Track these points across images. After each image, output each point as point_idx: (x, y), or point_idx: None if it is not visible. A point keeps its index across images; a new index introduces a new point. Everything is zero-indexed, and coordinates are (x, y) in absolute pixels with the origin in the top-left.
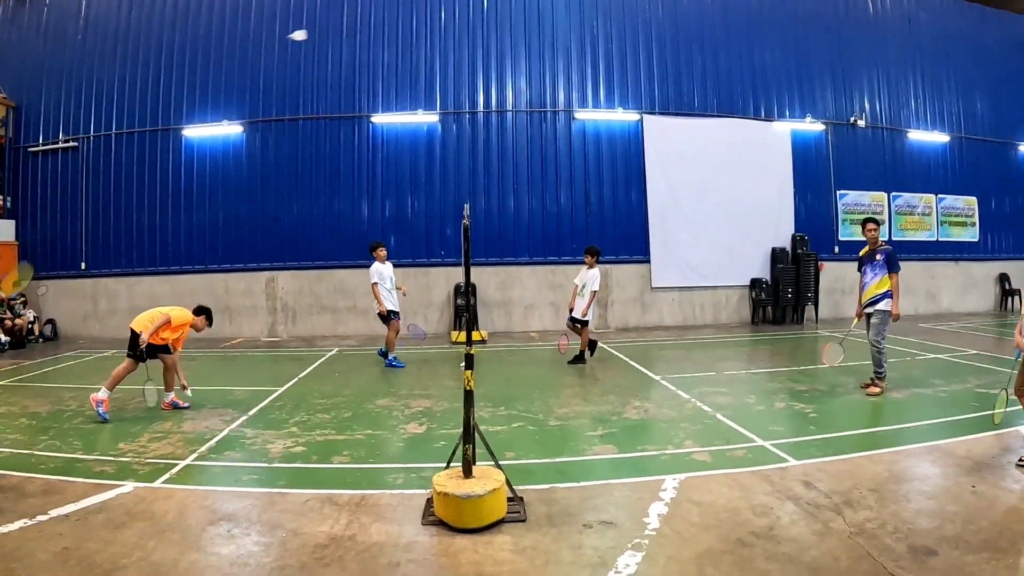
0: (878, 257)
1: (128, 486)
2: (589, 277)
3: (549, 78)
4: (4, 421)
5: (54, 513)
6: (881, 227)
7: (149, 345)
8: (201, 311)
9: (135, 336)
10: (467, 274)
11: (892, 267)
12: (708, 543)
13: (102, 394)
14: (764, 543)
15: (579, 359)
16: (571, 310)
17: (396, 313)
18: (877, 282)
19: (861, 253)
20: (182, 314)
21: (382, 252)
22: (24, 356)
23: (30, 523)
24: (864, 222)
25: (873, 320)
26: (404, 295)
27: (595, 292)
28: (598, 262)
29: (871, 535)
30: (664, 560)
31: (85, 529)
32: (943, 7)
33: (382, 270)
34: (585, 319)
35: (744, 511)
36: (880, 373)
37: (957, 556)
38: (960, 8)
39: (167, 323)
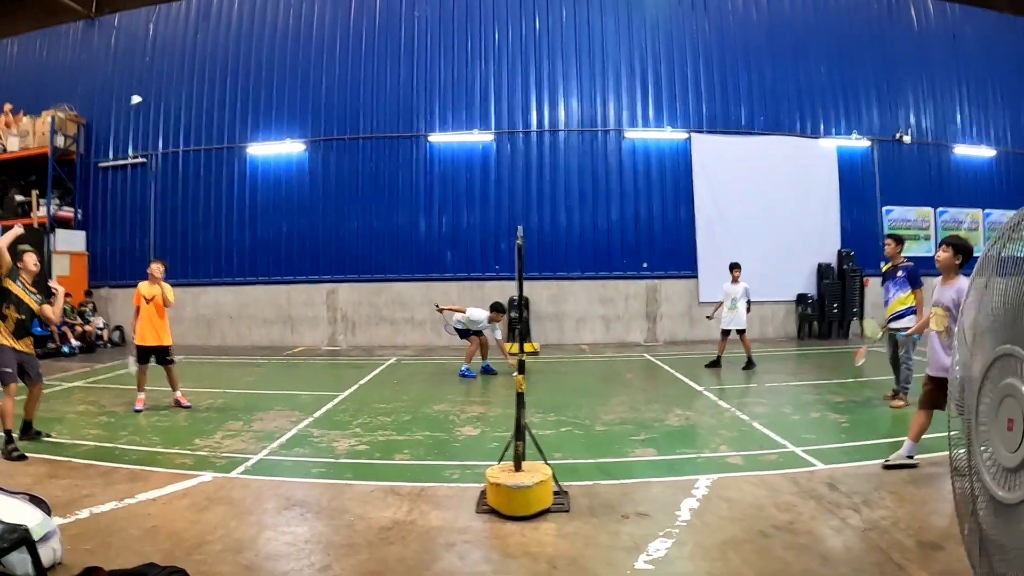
0: (899, 274)
1: (207, 476)
2: (738, 291)
3: (600, 98)
4: (86, 418)
5: (141, 497)
6: (928, 243)
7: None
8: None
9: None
10: (520, 288)
11: (915, 284)
12: (732, 533)
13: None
14: (784, 535)
15: (749, 364)
16: (709, 317)
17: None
18: (900, 298)
19: (884, 269)
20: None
21: (497, 317)
22: (94, 360)
23: (120, 505)
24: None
25: (899, 337)
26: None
27: (749, 301)
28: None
29: (884, 530)
30: (691, 546)
31: (171, 511)
32: (988, 20)
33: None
34: (742, 328)
35: (769, 507)
36: (905, 388)
37: (962, 552)
38: (1005, 21)
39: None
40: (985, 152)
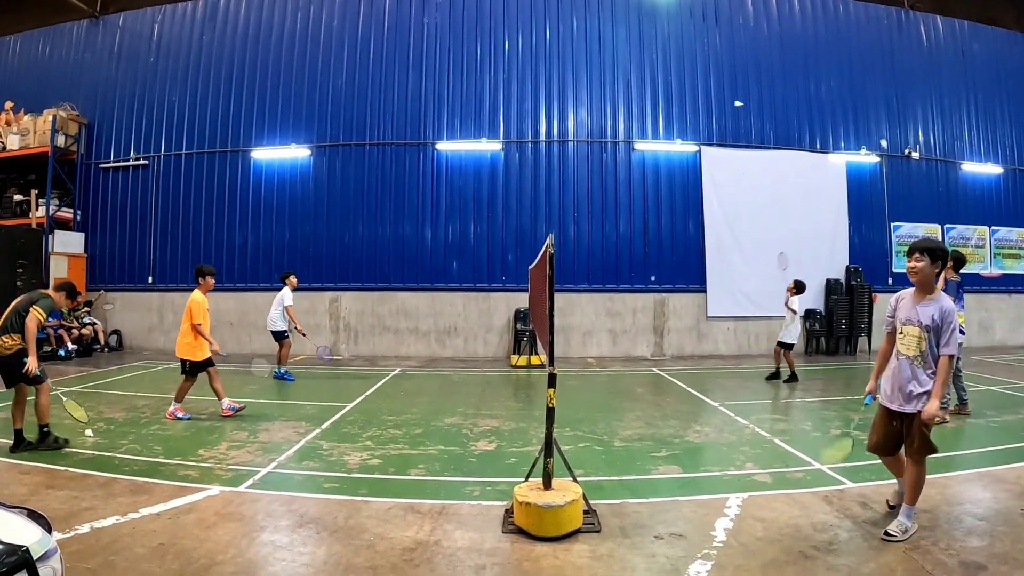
0: None
1: (214, 489)
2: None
3: (610, 109)
4: (83, 425)
5: (145, 511)
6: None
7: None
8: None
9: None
10: (551, 299)
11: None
12: (773, 555)
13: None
14: (825, 556)
15: (792, 378)
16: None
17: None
18: None
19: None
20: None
21: (294, 280)
22: (91, 364)
23: (122, 520)
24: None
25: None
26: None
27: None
28: (796, 292)
29: (925, 551)
30: (732, 569)
31: (178, 527)
32: (996, 38)
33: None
34: (790, 343)
35: (805, 527)
36: (963, 400)
37: (1006, 571)
38: (1014, 39)
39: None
40: (992, 169)
